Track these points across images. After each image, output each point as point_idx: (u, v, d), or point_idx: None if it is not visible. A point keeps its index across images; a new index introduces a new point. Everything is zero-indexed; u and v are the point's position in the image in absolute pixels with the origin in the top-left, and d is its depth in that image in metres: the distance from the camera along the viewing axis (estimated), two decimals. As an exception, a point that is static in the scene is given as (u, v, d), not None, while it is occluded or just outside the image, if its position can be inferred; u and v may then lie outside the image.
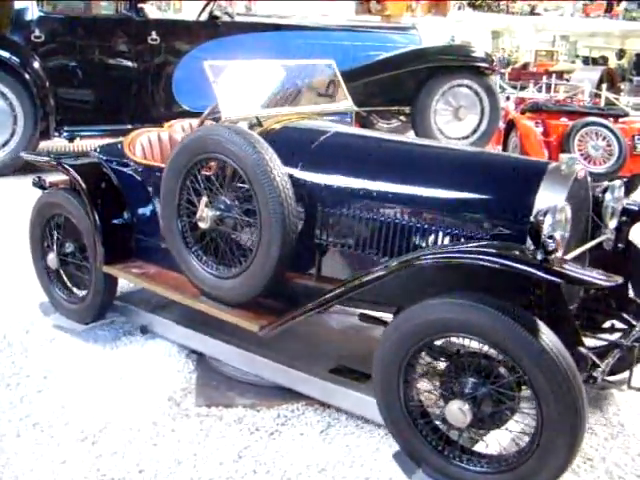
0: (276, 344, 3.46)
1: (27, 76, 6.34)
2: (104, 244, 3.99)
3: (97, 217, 3.97)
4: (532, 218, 2.66)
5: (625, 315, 3.21)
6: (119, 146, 4.16)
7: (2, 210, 6.17)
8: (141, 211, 4.07)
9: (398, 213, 3.07)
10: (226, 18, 8.14)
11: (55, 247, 4.32)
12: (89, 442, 3.05)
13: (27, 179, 6.31)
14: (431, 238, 2.98)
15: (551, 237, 2.46)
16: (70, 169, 4.14)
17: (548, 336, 2.41)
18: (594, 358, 2.72)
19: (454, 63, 7.87)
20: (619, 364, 3.02)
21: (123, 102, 7.34)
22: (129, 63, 7.40)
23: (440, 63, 7.83)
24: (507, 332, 2.43)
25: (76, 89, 7.04)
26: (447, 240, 2.94)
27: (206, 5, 8.04)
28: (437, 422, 2.77)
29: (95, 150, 4.30)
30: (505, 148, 9.58)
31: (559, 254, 2.54)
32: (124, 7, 7.47)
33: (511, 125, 9.29)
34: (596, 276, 2.49)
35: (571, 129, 8.33)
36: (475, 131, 7.91)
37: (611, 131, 8.25)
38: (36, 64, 6.53)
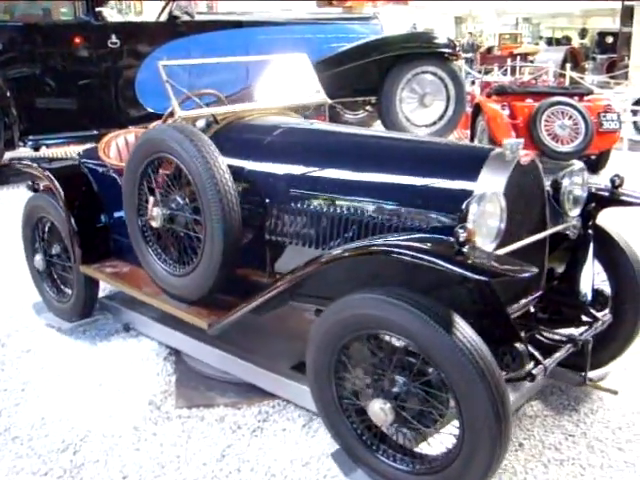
0: (249, 341, 3.49)
1: (-13, 87, 6.26)
2: (81, 245, 4.08)
3: (73, 219, 4.06)
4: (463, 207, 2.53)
5: (591, 308, 3.04)
6: (96, 149, 4.22)
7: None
8: (117, 212, 4.09)
9: (342, 207, 3.01)
10: (186, 18, 8.08)
11: (42, 248, 4.45)
12: (70, 452, 3.02)
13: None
14: (376, 231, 2.88)
15: (463, 227, 2.32)
16: (46, 172, 4.20)
17: (463, 332, 2.28)
18: (537, 355, 2.62)
19: (417, 50, 7.88)
20: (597, 358, 3.06)
21: (87, 108, 7.26)
22: (91, 68, 7.32)
23: (403, 51, 7.84)
24: (420, 328, 2.32)
25: (38, 97, 6.95)
26: (389, 232, 2.83)
27: (165, 5, 7.98)
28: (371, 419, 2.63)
29: (78, 154, 4.41)
30: (473, 132, 9.63)
31: (488, 246, 2.47)
32: (82, 12, 7.38)
33: (478, 109, 9.33)
34: (509, 268, 2.32)
35: (537, 110, 8.37)
36: (442, 117, 7.92)
37: (577, 110, 8.31)
38: (-4, 74, 6.44)
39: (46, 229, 4.41)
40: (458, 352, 2.24)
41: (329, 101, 4.13)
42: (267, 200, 3.27)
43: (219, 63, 4.75)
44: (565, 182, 3.02)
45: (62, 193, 4.08)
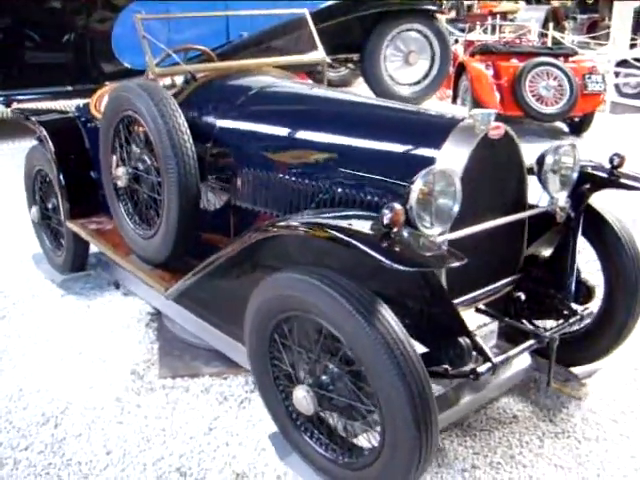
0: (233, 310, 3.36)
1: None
2: (69, 199, 4.03)
3: (62, 173, 4.01)
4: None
5: (571, 300, 2.75)
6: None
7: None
8: None
9: (305, 173, 2.83)
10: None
11: (39, 200, 4.45)
12: (51, 425, 2.91)
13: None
14: (335, 201, 2.68)
15: (390, 207, 2.07)
16: (38, 124, 4.13)
17: (385, 323, 2.06)
18: (486, 351, 2.37)
19: (402, 7, 7.67)
20: (586, 353, 2.95)
21: (61, 63, 6.98)
22: (65, 21, 7.01)
23: (388, 8, 7.63)
24: (339, 314, 2.12)
25: (10, 51, 6.65)
26: (347, 203, 2.64)
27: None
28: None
29: (76, 107, 4.32)
30: (455, 92, 9.48)
31: (423, 229, 2.22)
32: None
33: (461, 69, 9.16)
34: (433, 257, 2.10)
35: (522, 70, 8.23)
36: (426, 76, 7.78)
37: (562, 71, 8.19)
38: (-37, 26, 6.13)
39: (44, 181, 4.36)
40: (377, 344, 2.03)
41: (327, 59, 3.97)
42: (234, 163, 3.14)
43: (199, 17, 4.56)
44: (548, 160, 2.67)
45: (52, 146, 4.02)
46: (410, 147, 2.59)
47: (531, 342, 2.57)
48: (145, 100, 3.04)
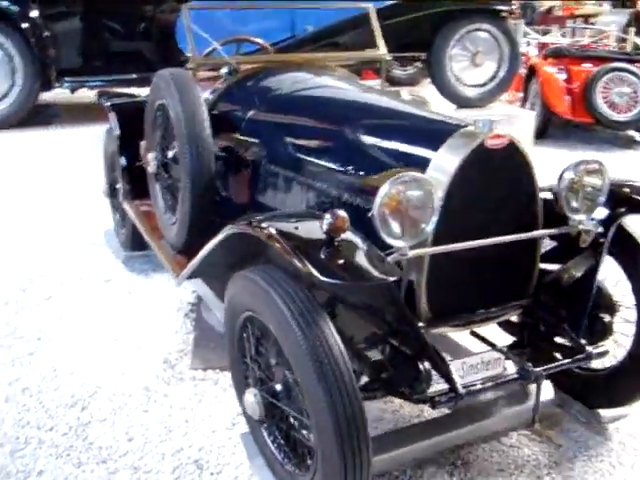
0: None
1: (25, 25, 6.10)
2: (126, 180, 4.14)
3: (123, 154, 4.11)
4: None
5: (578, 335, 2.46)
6: None
7: (6, 164, 6.01)
8: None
9: (313, 173, 2.74)
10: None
11: (110, 179, 4.64)
12: (78, 408, 2.93)
13: (29, 132, 6.18)
14: (335, 202, 2.57)
15: (333, 213, 1.94)
16: (107, 107, 4.28)
17: (321, 336, 1.91)
18: (455, 379, 2.19)
19: (471, 6, 7.48)
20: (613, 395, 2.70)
21: (126, 51, 7.08)
22: (131, 10, 7.11)
23: (457, 6, 7.45)
24: (278, 321, 2.01)
25: (77, 38, 6.78)
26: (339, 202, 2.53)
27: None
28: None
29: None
30: (525, 95, 9.23)
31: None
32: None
33: (532, 71, 8.93)
34: (359, 273, 1.93)
35: (595, 75, 7.96)
36: (493, 78, 7.55)
37: (637, 77, 7.87)
38: (35, 13, 6.27)
39: (114, 161, 4.48)
40: (307, 356, 1.90)
41: (387, 57, 3.89)
42: (256, 155, 3.13)
43: (264, 10, 4.52)
44: (566, 176, 2.36)
45: (117, 128, 4.14)
46: (412, 145, 2.43)
47: (514, 376, 2.33)
48: (171, 88, 3.07)
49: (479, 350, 2.45)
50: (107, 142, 4.60)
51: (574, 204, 2.39)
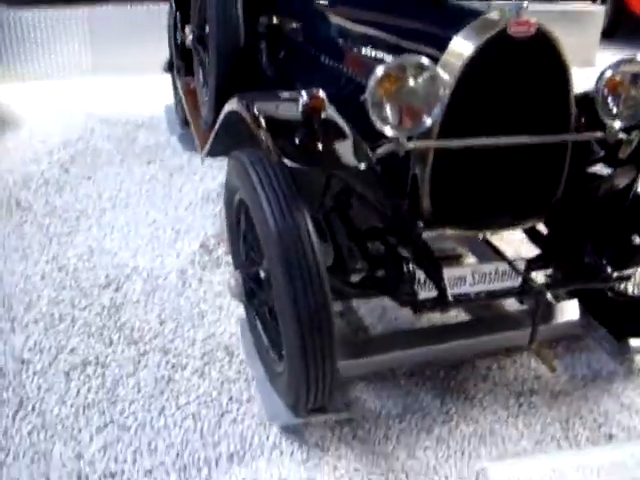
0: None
1: None
2: (180, 57, 4.04)
3: (178, 31, 4.03)
4: None
5: (605, 261, 2.25)
6: None
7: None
8: None
9: (338, 51, 2.60)
10: None
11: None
12: (112, 289, 2.90)
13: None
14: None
15: (309, 93, 1.84)
16: None
17: (293, 225, 1.84)
18: (445, 285, 2.06)
19: None
20: None
21: None
22: None
23: None
24: (253, 204, 1.97)
25: None
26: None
27: None
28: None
29: None
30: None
31: None
32: None
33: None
34: (318, 154, 1.84)
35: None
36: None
37: None
38: None
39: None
40: (276, 239, 1.84)
41: None
42: (289, 32, 3.03)
43: None
44: (605, 75, 2.05)
45: (172, 3, 4.18)
46: (424, 35, 2.20)
47: (515, 287, 2.16)
48: None
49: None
50: (169, 18, 4.50)
51: (613, 108, 2.08)
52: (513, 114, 2.05)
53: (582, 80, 2.22)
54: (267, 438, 2.14)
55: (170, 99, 4.81)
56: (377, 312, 2.74)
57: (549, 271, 2.33)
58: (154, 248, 3.21)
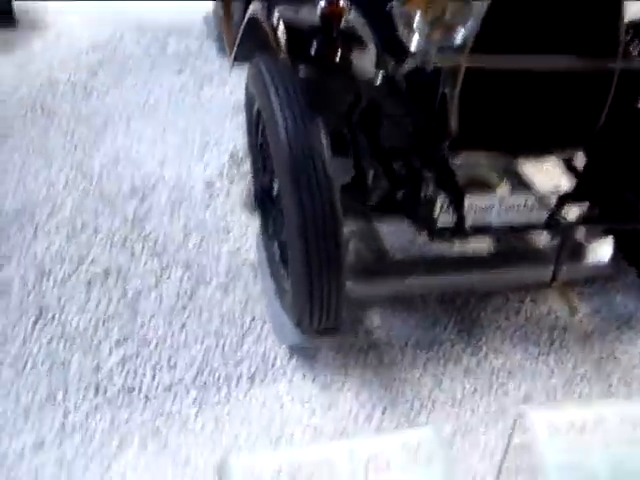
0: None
1: None
2: None
3: None
4: None
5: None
6: None
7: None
8: None
9: None
10: None
11: None
12: (137, 199, 2.81)
13: None
14: None
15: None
16: None
17: (303, 133, 1.75)
18: (464, 214, 1.96)
19: None
20: None
21: None
22: None
23: None
24: (266, 111, 1.86)
25: None
26: None
27: None
28: None
29: None
30: None
31: None
32: None
33: None
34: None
35: None
36: None
37: None
38: None
39: None
40: (284, 149, 1.74)
41: None
42: None
43: None
44: None
45: None
46: None
47: (540, 223, 2.06)
48: None
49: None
50: None
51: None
52: (555, 33, 1.87)
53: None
54: (289, 360, 2.07)
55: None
56: (402, 237, 2.62)
57: (584, 207, 2.16)
58: (181, 158, 3.09)
